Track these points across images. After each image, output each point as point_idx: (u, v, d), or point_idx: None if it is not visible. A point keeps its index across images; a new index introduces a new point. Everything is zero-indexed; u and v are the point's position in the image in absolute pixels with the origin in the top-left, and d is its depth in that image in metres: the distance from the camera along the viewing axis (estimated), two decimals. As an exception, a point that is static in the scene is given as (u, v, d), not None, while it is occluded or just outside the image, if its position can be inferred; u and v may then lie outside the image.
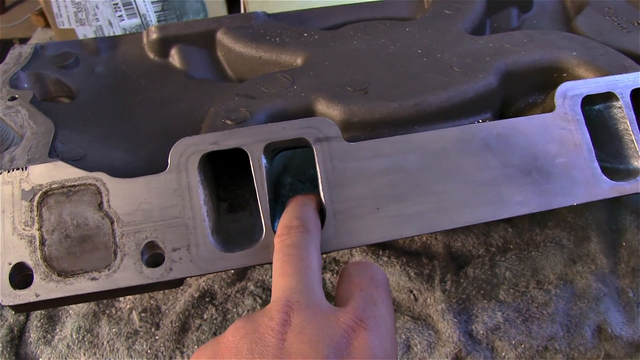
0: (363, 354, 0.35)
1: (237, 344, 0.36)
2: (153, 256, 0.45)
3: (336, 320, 0.37)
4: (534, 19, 0.73)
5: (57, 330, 0.64)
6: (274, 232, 0.45)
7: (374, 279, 0.42)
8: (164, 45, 0.66)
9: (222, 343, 0.37)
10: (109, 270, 0.44)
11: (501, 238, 0.67)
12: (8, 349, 0.62)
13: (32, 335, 0.63)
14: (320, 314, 0.37)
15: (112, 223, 0.45)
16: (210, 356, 0.37)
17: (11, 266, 0.44)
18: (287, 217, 0.44)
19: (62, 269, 0.44)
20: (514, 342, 0.60)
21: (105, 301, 0.65)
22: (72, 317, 0.64)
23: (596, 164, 0.50)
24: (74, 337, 0.62)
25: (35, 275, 0.44)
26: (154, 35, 0.65)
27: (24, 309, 0.45)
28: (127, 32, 0.94)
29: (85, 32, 0.96)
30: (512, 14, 0.72)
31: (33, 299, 0.44)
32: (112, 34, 0.96)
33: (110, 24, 0.96)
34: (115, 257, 0.44)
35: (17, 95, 0.55)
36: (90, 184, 0.45)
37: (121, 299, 0.65)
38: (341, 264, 0.65)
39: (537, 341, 0.60)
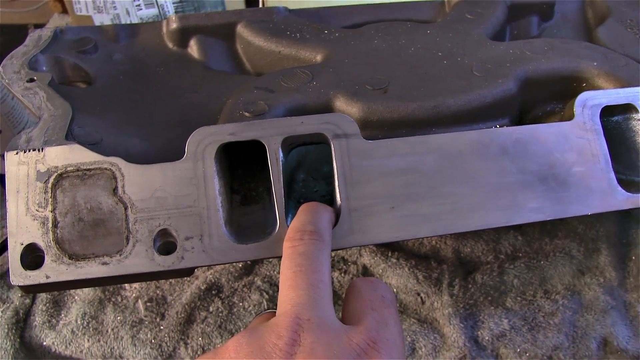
0: None
1: None
2: (165, 244, 0.45)
3: (348, 341, 0.35)
4: (554, 28, 0.73)
5: (62, 315, 0.64)
6: (288, 226, 0.45)
7: (384, 298, 0.40)
8: (183, 35, 0.66)
9: (222, 357, 0.35)
10: (120, 255, 0.44)
11: (511, 246, 0.67)
12: (13, 331, 0.62)
13: (37, 319, 0.63)
14: (332, 334, 0.35)
15: (125, 209, 0.44)
16: None
17: (23, 246, 0.44)
18: (300, 221, 0.43)
19: (74, 252, 0.44)
20: (519, 350, 0.60)
21: (111, 289, 0.65)
22: (78, 303, 0.64)
23: (612, 175, 0.50)
24: (79, 322, 0.62)
25: (46, 257, 0.44)
26: (173, 25, 0.65)
27: (33, 290, 0.45)
28: (145, 22, 0.94)
29: (102, 20, 0.96)
30: (533, 22, 0.72)
31: (43, 280, 0.43)
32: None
33: (128, 12, 0.96)
34: (127, 243, 0.44)
35: (35, 78, 0.55)
36: (105, 169, 0.45)
37: (127, 287, 0.65)
38: (350, 263, 0.65)
39: (542, 350, 0.60)
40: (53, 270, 0.44)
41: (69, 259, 0.44)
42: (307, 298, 0.37)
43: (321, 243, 0.41)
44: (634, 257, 0.67)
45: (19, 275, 0.43)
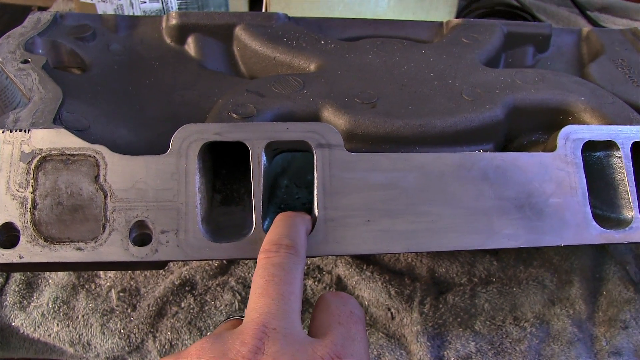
0: None
1: None
2: (141, 235, 0.45)
3: (313, 353, 0.35)
4: (548, 60, 0.74)
5: (34, 297, 0.64)
6: (264, 230, 0.45)
7: (353, 313, 0.40)
8: (182, 32, 0.66)
9: None
10: (95, 242, 0.44)
11: (485, 270, 0.67)
12: (-18, 308, 0.62)
13: (8, 299, 0.63)
14: (297, 345, 0.35)
15: (105, 197, 0.45)
16: None
17: (-1, 224, 0.44)
18: (277, 233, 0.43)
19: (50, 235, 0.44)
20: (483, 373, 0.61)
21: (85, 275, 0.65)
22: (51, 287, 0.64)
23: (589, 209, 0.51)
24: (50, 306, 0.62)
25: (21, 237, 0.44)
26: (173, 21, 0.66)
27: (6, 268, 0.45)
28: (147, 15, 0.94)
29: (105, 9, 0.97)
30: (528, 52, 0.73)
31: (16, 260, 0.44)
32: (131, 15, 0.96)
33: (132, 4, 0.96)
34: (104, 231, 0.44)
35: (30, 59, 0.55)
36: (89, 156, 0.45)
37: (102, 275, 0.65)
38: (324, 273, 0.66)
39: (506, 376, 0.60)
40: (27, 251, 0.44)
41: (44, 241, 0.44)
42: (275, 308, 0.36)
43: (296, 257, 0.41)
44: (605, 292, 0.67)
45: (-7, 253, 0.44)
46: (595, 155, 0.56)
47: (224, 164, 0.54)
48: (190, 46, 0.66)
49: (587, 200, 0.51)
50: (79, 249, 0.44)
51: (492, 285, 0.66)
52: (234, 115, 0.51)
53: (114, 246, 0.44)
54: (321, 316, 0.40)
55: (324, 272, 0.66)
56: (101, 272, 0.65)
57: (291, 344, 0.35)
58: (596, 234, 0.51)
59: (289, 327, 0.36)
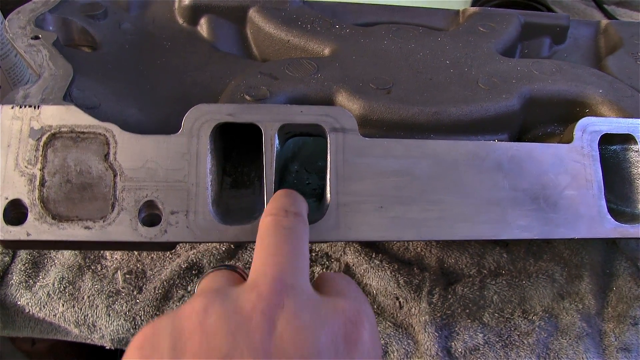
0: (362, 352, 0.32)
1: (212, 325, 0.30)
2: (150, 216, 0.45)
3: (334, 307, 0.33)
4: (565, 52, 0.73)
5: (40, 277, 0.63)
6: None
7: (357, 287, 0.39)
8: (194, 13, 0.65)
9: (186, 319, 0.31)
10: (104, 222, 0.44)
11: (495, 262, 0.66)
12: (-12, 287, 0.62)
13: (14, 278, 0.63)
14: (316, 301, 0.33)
15: (115, 176, 0.44)
16: (170, 342, 0.30)
17: (7, 201, 0.43)
18: (282, 202, 0.41)
19: (58, 213, 0.44)
20: (490, 366, 0.60)
21: (92, 256, 0.65)
22: (57, 267, 0.64)
23: (603, 203, 0.50)
24: (56, 286, 0.62)
25: (29, 214, 0.43)
26: (186, 1, 0.65)
27: (13, 245, 0.45)
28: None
29: (117, -11, 0.96)
30: (545, 44, 0.72)
31: (23, 237, 0.43)
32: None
33: (143, -15, 0.95)
34: (112, 210, 0.44)
35: (40, 35, 0.54)
36: (99, 134, 0.45)
37: (108, 257, 0.65)
38: (333, 260, 0.65)
39: (513, 369, 0.60)
40: (35, 228, 0.43)
41: (52, 219, 0.44)
42: (290, 266, 0.34)
43: (304, 226, 0.39)
44: (614, 288, 0.67)
45: (0, 230, 0.43)
46: (611, 149, 0.55)
47: (234, 147, 0.53)
48: (203, 27, 0.65)
49: (603, 193, 0.50)
50: (87, 227, 0.44)
51: (501, 277, 0.65)
52: (247, 97, 0.51)
53: (122, 226, 0.44)
54: (327, 285, 0.38)
55: (332, 260, 0.65)
56: (107, 254, 0.65)
57: (310, 299, 0.33)
58: (611, 228, 0.50)
59: (306, 285, 0.34)
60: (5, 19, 0.57)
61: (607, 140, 0.53)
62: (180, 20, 0.66)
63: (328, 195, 0.45)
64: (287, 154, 0.54)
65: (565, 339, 0.62)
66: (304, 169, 0.56)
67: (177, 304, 0.61)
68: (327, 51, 0.61)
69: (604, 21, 0.78)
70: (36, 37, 0.54)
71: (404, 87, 0.55)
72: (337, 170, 0.46)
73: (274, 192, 0.45)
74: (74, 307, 0.61)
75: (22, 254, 0.64)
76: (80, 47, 0.62)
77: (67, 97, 0.47)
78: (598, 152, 0.51)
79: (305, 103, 0.51)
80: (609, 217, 0.50)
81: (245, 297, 0.32)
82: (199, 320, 0.30)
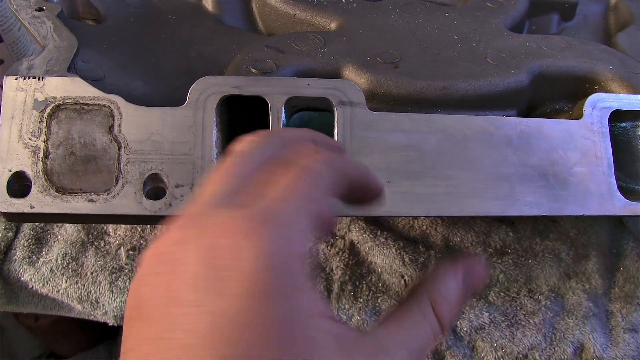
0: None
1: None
2: (155, 189, 0.44)
3: None
4: (573, 29, 0.72)
5: (43, 252, 0.63)
6: None
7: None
8: (200, -14, 0.65)
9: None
10: (108, 194, 0.43)
11: (501, 241, 0.66)
12: (-8, 262, 0.61)
13: (17, 253, 0.63)
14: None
15: (119, 148, 0.44)
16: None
17: (11, 173, 0.43)
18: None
19: (61, 185, 0.43)
20: (495, 345, 0.60)
21: (95, 232, 0.64)
22: (60, 243, 0.63)
23: (613, 180, 0.50)
24: (59, 262, 0.62)
25: (33, 187, 0.43)
26: (191, -25, 0.64)
27: (16, 218, 0.44)
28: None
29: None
30: (553, 20, 0.71)
31: (27, 210, 0.43)
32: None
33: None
34: (117, 183, 0.43)
35: (44, 7, 0.54)
36: (104, 105, 0.44)
37: (111, 233, 0.64)
38: (337, 238, 0.65)
39: (518, 348, 0.60)
40: (38, 201, 0.43)
41: (56, 191, 0.43)
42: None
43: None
44: (622, 268, 0.66)
45: (3, 202, 0.43)
46: (621, 126, 0.55)
47: (239, 122, 0.53)
48: (208, 1, 0.64)
49: (613, 170, 0.50)
50: (91, 200, 0.43)
51: (507, 256, 0.65)
52: (253, 70, 0.50)
53: (126, 199, 0.43)
54: None
55: (337, 237, 0.65)
56: (110, 230, 0.65)
57: None
58: (620, 206, 0.49)
59: None
60: (8, -10, 0.56)
61: (617, 117, 0.52)
62: (185, -6, 0.65)
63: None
64: (293, 129, 0.54)
65: (572, 319, 0.62)
66: (309, 145, 0.55)
67: (182, 280, 0.61)
68: (333, 25, 0.60)
69: (614, -2, 0.77)
70: (40, 9, 0.53)
71: (412, 62, 0.54)
72: (344, 145, 0.45)
73: None
74: (77, 283, 0.61)
75: (25, 229, 0.64)
76: (84, 20, 0.61)
77: (72, 69, 0.47)
78: (608, 129, 0.50)
79: (312, 77, 0.50)
80: (619, 194, 0.49)
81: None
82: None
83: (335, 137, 0.45)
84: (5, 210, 0.43)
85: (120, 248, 0.64)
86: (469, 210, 0.46)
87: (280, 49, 0.53)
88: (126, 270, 0.62)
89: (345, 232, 0.65)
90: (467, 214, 0.46)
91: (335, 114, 0.45)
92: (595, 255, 0.66)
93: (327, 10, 0.61)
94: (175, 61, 0.56)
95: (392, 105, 0.51)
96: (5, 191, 0.43)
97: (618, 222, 0.70)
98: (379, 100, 0.51)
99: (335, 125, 0.45)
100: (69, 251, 0.63)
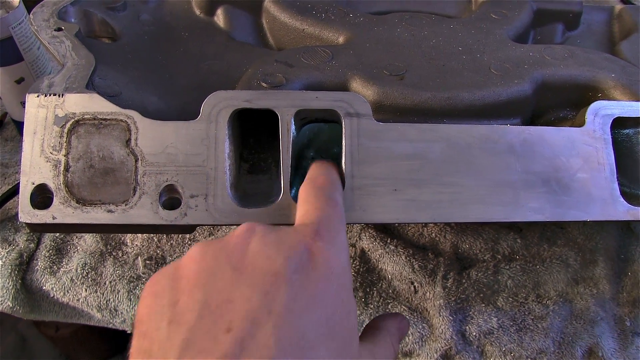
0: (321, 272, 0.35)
1: (205, 255, 0.35)
2: (170, 199, 0.46)
3: (296, 230, 0.37)
4: (578, 38, 0.73)
5: (64, 263, 0.65)
6: (292, 198, 0.46)
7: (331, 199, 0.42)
8: (211, 4, 0.67)
9: (184, 259, 0.35)
10: (126, 205, 0.45)
11: (509, 247, 0.67)
12: (16, 272, 0.63)
13: (39, 264, 0.65)
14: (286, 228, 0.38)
15: (136, 161, 0.46)
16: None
17: (34, 186, 0.45)
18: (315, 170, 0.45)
19: (82, 197, 0.45)
20: (504, 349, 0.61)
21: (113, 243, 0.66)
22: (79, 253, 0.65)
23: (616, 185, 0.51)
24: (79, 272, 0.64)
25: (55, 199, 0.45)
26: (203, -7, 0.67)
27: (39, 229, 0.46)
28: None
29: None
30: (557, 30, 0.72)
31: (49, 220, 0.45)
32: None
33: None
34: (134, 194, 0.45)
35: (63, 27, 0.56)
36: (121, 120, 0.46)
37: (129, 243, 0.66)
38: (348, 246, 0.66)
39: (527, 352, 0.61)
40: (60, 212, 0.45)
41: (77, 203, 0.45)
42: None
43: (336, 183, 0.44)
44: (630, 273, 0.67)
45: (27, 214, 0.45)
46: (624, 133, 0.56)
47: (251, 134, 0.55)
48: (220, 17, 0.67)
49: (615, 176, 0.51)
50: (109, 211, 0.45)
51: (515, 262, 0.66)
52: (263, 84, 0.52)
53: (144, 209, 0.45)
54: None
55: (348, 245, 0.66)
56: (128, 240, 0.67)
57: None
58: (623, 211, 0.50)
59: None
60: (29, 12, 0.59)
61: (619, 123, 0.53)
62: (197, 11, 0.68)
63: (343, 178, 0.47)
64: (302, 141, 0.55)
65: (580, 324, 0.63)
66: (319, 155, 0.56)
67: (197, 288, 0.63)
68: (341, 39, 0.62)
69: (618, 6, 0.78)
70: (59, 29, 0.55)
71: (417, 73, 0.56)
72: (352, 154, 0.47)
73: (291, 178, 0.47)
74: (96, 292, 0.63)
75: (47, 240, 0.66)
76: (100, 38, 0.64)
77: (90, 86, 0.49)
78: (610, 136, 0.51)
79: (320, 90, 0.52)
80: (622, 199, 0.50)
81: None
82: (195, 258, 0.34)
83: (343, 148, 0.47)
84: (29, 221, 0.45)
85: (137, 258, 0.65)
86: (473, 217, 0.48)
87: (289, 63, 0.55)
88: (143, 279, 0.64)
89: (356, 240, 0.67)
90: (472, 220, 0.48)
91: (343, 125, 0.47)
92: (603, 260, 0.67)
93: (335, 24, 0.63)
94: (188, 76, 0.58)
95: (398, 115, 0.53)
96: (29, 203, 0.45)
97: (626, 228, 0.71)
98: (385, 111, 0.53)
99: (343, 136, 0.47)
100: (88, 261, 0.65)
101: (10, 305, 0.63)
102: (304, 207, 0.40)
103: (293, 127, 0.47)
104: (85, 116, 0.46)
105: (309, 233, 0.36)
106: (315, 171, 0.45)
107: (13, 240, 0.66)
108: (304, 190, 0.42)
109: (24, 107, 0.47)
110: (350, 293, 0.36)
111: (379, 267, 0.65)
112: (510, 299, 0.64)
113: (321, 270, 0.34)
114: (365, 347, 0.39)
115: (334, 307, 0.33)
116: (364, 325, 0.44)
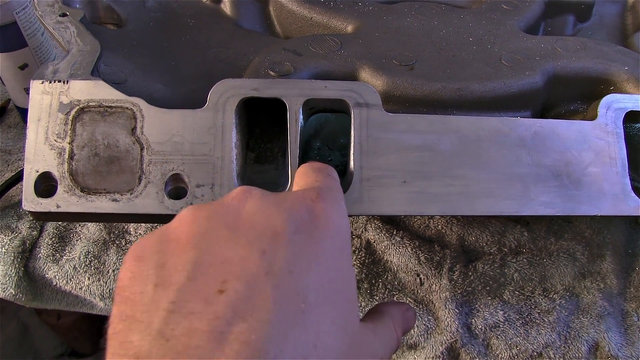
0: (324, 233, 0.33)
1: (198, 217, 0.32)
2: (176, 189, 0.45)
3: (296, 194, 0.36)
4: (589, 30, 0.72)
5: (67, 251, 0.65)
6: None
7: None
8: (218, -10, 0.66)
9: (174, 222, 0.33)
10: (131, 194, 0.45)
11: (516, 240, 0.67)
12: (19, 259, 0.63)
13: (42, 251, 0.64)
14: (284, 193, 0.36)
15: (142, 149, 0.45)
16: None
17: (38, 174, 0.44)
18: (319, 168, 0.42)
19: (86, 186, 0.45)
20: (510, 342, 0.60)
21: (116, 231, 0.66)
22: (82, 241, 0.65)
23: (627, 180, 0.50)
24: (81, 260, 0.63)
25: (59, 187, 0.44)
26: (210, -21, 0.66)
27: (43, 217, 0.46)
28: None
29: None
30: (569, 21, 0.71)
31: (53, 209, 0.44)
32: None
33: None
34: (139, 183, 0.45)
35: (67, 13, 0.55)
36: (127, 108, 0.45)
37: (132, 231, 0.66)
38: (354, 237, 0.66)
39: (532, 346, 0.60)
40: (64, 200, 0.44)
41: (81, 191, 0.44)
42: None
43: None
44: (637, 268, 0.67)
45: (31, 202, 0.44)
46: (636, 127, 0.55)
47: (257, 124, 0.54)
48: (226, 5, 0.66)
49: (627, 171, 0.50)
50: (114, 200, 0.45)
51: (522, 255, 0.65)
52: (271, 73, 0.51)
53: (149, 198, 0.45)
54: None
55: (353, 237, 0.66)
56: (131, 229, 0.66)
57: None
58: (634, 206, 0.50)
59: None
60: (33, -3, 0.58)
61: (632, 118, 0.52)
62: (204, -2, 0.67)
63: (352, 169, 0.46)
64: (309, 131, 0.55)
65: (587, 318, 0.62)
66: (326, 145, 0.56)
67: (201, 278, 0.62)
68: (350, 28, 0.61)
69: (631, -2, 0.77)
70: (64, 15, 0.55)
71: (427, 64, 0.55)
72: (360, 145, 0.46)
73: (298, 167, 0.46)
74: (99, 280, 0.63)
75: (49, 228, 0.66)
76: (106, 24, 0.63)
77: (95, 72, 0.48)
78: (622, 130, 0.51)
79: (328, 79, 0.51)
80: (633, 195, 0.50)
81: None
82: (185, 220, 0.32)
83: (352, 138, 0.46)
84: (32, 210, 0.44)
85: (141, 247, 0.65)
86: (482, 210, 0.47)
87: (297, 52, 0.54)
88: (147, 269, 0.63)
89: (362, 231, 0.66)
90: (481, 213, 0.47)
91: (352, 116, 0.46)
92: (611, 255, 0.67)
93: (344, 13, 0.62)
94: (194, 64, 0.57)
95: (408, 106, 0.52)
96: (33, 191, 0.44)
97: (634, 223, 0.70)
98: (394, 102, 0.52)
99: (352, 126, 0.46)
100: (92, 249, 0.64)
101: (13, 292, 0.63)
102: (303, 180, 0.39)
103: (301, 116, 0.47)
104: (91, 103, 0.45)
105: (311, 195, 0.35)
106: (312, 163, 0.43)
107: (16, 227, 0.66)
108: (301, 168, 0.41)
109: (28, 93, 0.46)
110: (350, 263, 0.34)
111: (385, 258, 0.64)
112: (517, 293, 0.63)
113: (324, 230, 0.32)
114: (366, 325, 0.36)
115: (335, 272, 0.32)
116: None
